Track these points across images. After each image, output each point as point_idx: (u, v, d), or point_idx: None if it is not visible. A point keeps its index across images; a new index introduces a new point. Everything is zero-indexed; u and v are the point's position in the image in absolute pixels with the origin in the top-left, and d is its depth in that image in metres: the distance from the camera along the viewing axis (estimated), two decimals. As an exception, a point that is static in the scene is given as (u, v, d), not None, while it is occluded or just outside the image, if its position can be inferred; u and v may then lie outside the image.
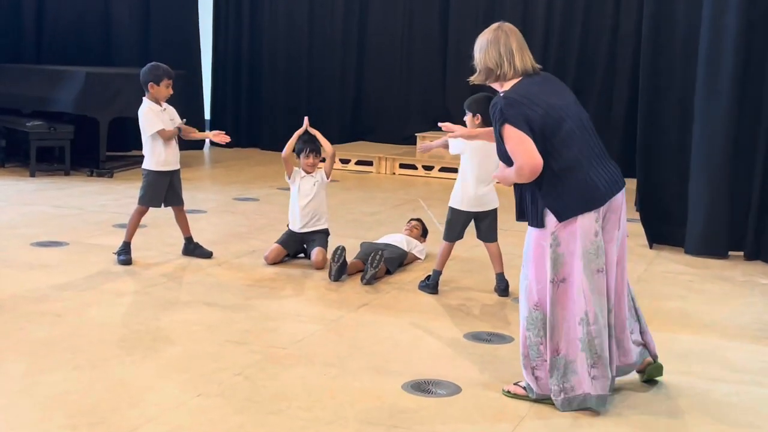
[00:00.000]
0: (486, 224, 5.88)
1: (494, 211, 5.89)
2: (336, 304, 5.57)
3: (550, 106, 3.99)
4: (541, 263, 4.04)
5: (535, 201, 4.04)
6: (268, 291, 5.84)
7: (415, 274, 6.36)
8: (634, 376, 4.41)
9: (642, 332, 4.39)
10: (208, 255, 6.57)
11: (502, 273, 5.90)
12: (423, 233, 7.00)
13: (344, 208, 8.63)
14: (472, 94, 12.13)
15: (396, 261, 6.42)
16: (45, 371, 4.30)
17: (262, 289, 5.88)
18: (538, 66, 4.19)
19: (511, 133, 3.94)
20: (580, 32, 11.66)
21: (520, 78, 4.09)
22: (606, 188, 3.99)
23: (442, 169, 10.99)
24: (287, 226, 6.65)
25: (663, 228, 7.48)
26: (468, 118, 5.79)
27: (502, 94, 4.03)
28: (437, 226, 7.59)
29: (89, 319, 5.13)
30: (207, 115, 13.25)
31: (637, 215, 8.59)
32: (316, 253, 6.41)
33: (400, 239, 6.70)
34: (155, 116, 6.32)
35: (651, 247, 7.41)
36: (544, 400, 4.10)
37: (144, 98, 6.38)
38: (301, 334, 4.95)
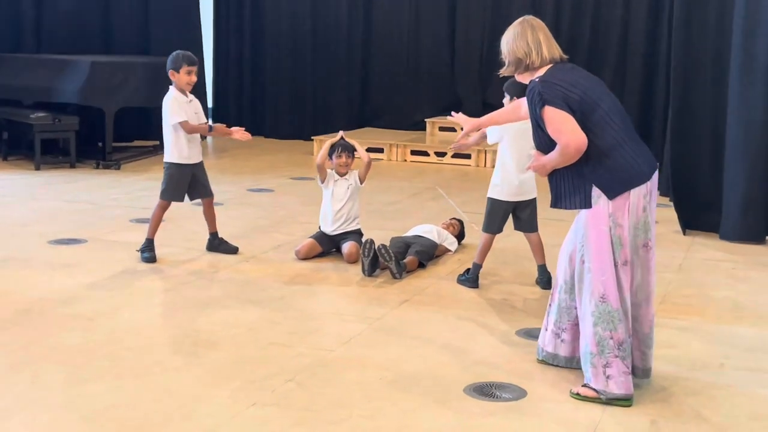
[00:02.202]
0: (527, 214, 5.68)
1: (534, 201, 5.68)
2: (376, 301, 5.36)
3: (587, 87, 4.01)
4: (603, 250, 3.92)
5: (580, 183, 3.97)
6: (303, 288, 5.63)
7: (451, 266, 6.16)
8: (719, 378, 4.24)
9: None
10: (233, 251, 6.35)
11: (544, 265, 5.70)
12: (460, 235, 6.75)
13: (362, 198, 8.33)
14: (482, 79, 12.12)
15: (428, 253, 6.21)
16: (86, 382, 4.08)
17: (296, 286, 5.66)
18: (565, 56, 4.18)
19: (552, 114, 3.93)
20: (590, 19, 11.44)
21: (549, 65, 4.08)
22: (647, 167, 3.99)
23: (455, 156, 10.76)
24: (319, 227, 6.42)
25: (696, 214, 7.29)
26: (506, 101, 5.55)
27: (537, 79, 4.02)
28: (461, 214, 7.39)
29: (123, 323, 4.90)
30: (210, 103, 12.96)
31: (665, 201, 8.48)
32: (348, 246, 6.19)
33: (430, 229, 6.49)
34: (179, 106, 6.08)
35: (684, 234, 7.23)
36: (616, 400, 3.91)
37: (171, 86, 6.15)
38: (347, 335, 4.74)
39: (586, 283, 3.99)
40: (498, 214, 5.67)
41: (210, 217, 6.39)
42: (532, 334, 4.79)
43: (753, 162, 6.81)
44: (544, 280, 5.67)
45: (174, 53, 6.16)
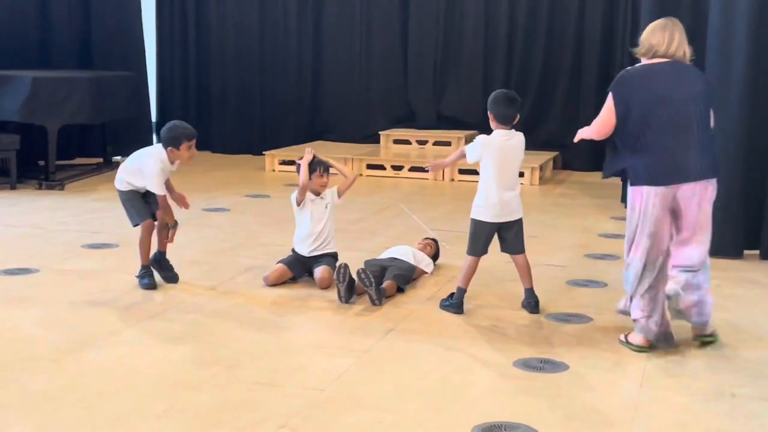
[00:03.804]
0: (512, 235, 5.42)
1: (519, 221, 5.43)
2: (359, 331, 5.05)
3: (653, 89, 4.68)
4: (632, 223, 4.73)
5: (618, 161, 4.80)
6: (280, 319, 5.29)
7: (430, 289, 5.88)
8: (735, 410, 4.02)
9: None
10: (174, 279, 5.96)
11: (532, 288, 5.45)
12: (435, 256, 6.48)
13: (325, 217, 8.08)
14: (435, 90, 11.91)
15: (406, 277, 5.93)
16: (59, 435, 3.70)
17: (272, 316, 5.33)
18: (690, 56, 4.82)
19: (607, 100, 4.77)
20: (546, 29, 11.31)
21: (659, 60, 4.76)
22: (682, 174, 4.61)
23: (412, 169, 10.52)
24: (292, 250, 6.09)
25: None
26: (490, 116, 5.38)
27: (625, 69, 4.88)
28: (429, 233, 7.12)
29: (90, 365, 4.51)
30: (154, 117, 12.51)
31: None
32: (321, 271, 5.88)
33: (406, 251, 6.21)
34: (164, 176, 5.71)
35: (660, 249, 7.05)
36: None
37: (157, 151, 5.72)
38: (335, 371, 4.42)
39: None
40: (481, 236, 5.41)
41: (162, 234, 5.96)
42: (530, 365, 4.54)
43: (729, 174, 6.65)
44: (532, 304, 5.42)
45: (170, 126, 5.74)
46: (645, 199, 4.64)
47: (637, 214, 4.68)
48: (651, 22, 7.21)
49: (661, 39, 4.76)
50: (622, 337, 4.90)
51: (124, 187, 5.81)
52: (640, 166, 4.64)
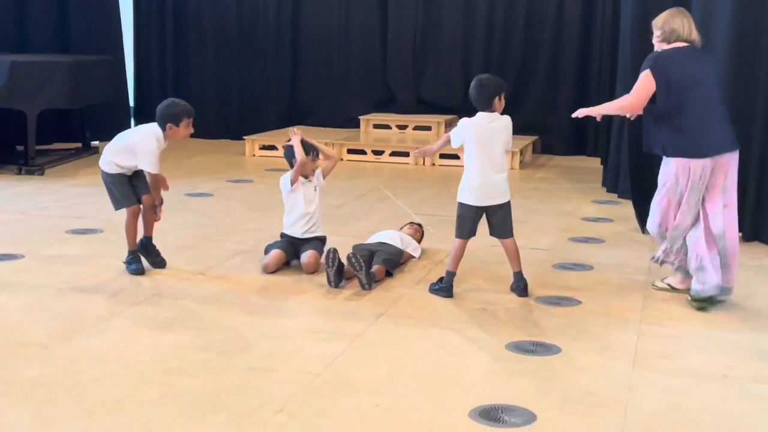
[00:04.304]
0: (499, 219, 5.44)
1: (507, 204, 5.44)
2: (350, 315, 5.06)
3: (688, 70, 5.13)
4: (663, 192, 5.27)
5: (657, 136, 5.24)
6: (269, 304, 5.28)
7: (418, 274, 5.89)
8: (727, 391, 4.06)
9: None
10: (162, 265, 5.94)
11: (521, 272, 5.48)
12: (421, 240, 6.50)
13: (308, 201, 8.06)
14: (415, 74, 11.88)
15: (394, 261, 5.94)
16: (55, 421, 3.69)
17: (262, 301, 5.32)
18: (700, 40, 5.28)
19: (645, 77, 5.13)
20: (525, 14, 11.32)
21: (681, 44, 5.20)
22: (717, 146, 5.13)
23: (393, 153, 10.52)
24: (281, 235, 6.07)
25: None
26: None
27: (659, 51, 5.24)
28: (413, 217, 7.14)
29: (81, 350, 4.49)
30: (131, 102, 12.40)
31: (614, 197, 8.39)
32: (308, 255, 5.86)
33: (394, 236, 6.22)
34: (158, 155, 5.68)
35: (644, 232, 7.08)
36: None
37: (153, 129, 5.69)
38: (329, 355, 4.43)
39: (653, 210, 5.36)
40: (467, 219, 5.42)
41: (149, 219, 5.92)
42: (522, 348, 4.57)
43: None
44: (521, 287, 5.45)
45: (170, 104, 5.70)
46: (692, 170, 5.12)
47: (685, 183, 5.15)
48: (632, 6, 7.32)
49: (680, 24, 5.21)
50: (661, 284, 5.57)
51: (112, 170, 5.75)
52: (686, 139, 5.11)
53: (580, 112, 5.44)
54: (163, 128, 5.66)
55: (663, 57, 5.19)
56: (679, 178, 5.18)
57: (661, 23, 5.27)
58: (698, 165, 5.12)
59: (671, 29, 5.22)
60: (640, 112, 5.33)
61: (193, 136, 12.26)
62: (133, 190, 5.81)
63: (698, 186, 5.17)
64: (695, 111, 5.11)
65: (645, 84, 5.15)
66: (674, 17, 5.25)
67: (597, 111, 5.45)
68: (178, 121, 5.65)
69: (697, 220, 5.26)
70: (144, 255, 5.91)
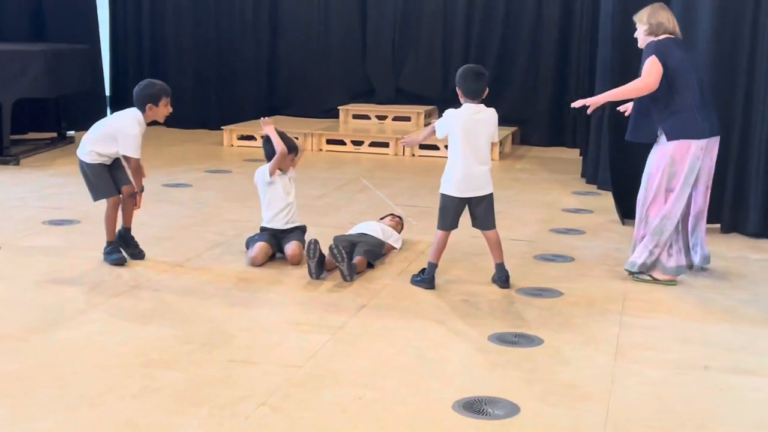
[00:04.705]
0: (481, 210, 5.43)
1: (490, 196, 5.43)
2: (332, 307, 5.03)
3: (684, 58, 5.40)
4: (655, 179, 5.47)
5: (649, 123, 5.47)
6: (251, 295, 5.25)
7: (399, 265, 5.87)
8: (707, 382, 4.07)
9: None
10: (141, 256, 5.89)
11: (503, 263, 5.47)
12: (401, 230, 6.50)
13: (288, 192, 8.02)
14: (395, 64, 11.84)
15: (375, 253, 5.92)
16: (35, 416, 3.64)
17: (242, 293, 5.28)
18: (680, 34, 5.54)
19: (652, 61, 5.33)
20: (505, 3, 11.29)
21: (668, 35, 5.45)
22: (709, 129, 5.42)
23: (372, 144, 10.48)
24: (261, 228, 6.03)
25: (634, 202, 7.16)
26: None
27: (656, 39, 5.42)
28: (394, 208, 7.12)
29: (61, 343, 4.44)
30: (107, 91, 12.29)
31: (593, 189, 8.40)
32: (292, 246, 5.83)
33: (375, 227, 6.20)
34: (140, 139, 5.64)
35: (623, 223, 7.11)
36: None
37: (133, 113, 5.65)
38: (311, 348, 4.40)
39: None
40: (450, 210, 5.41)
41: (128, 209, 5.86)
42: (505, 340, 4.56)
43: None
44: (502, 279, 5.44)
45: (146, 83, 5.71)
46: (692, 152, 5.38)
47: (683, 165, 5.39)
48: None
49: (666, 18, 5.46)
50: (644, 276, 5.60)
51: (93, 159, 5.69)
52: (687, 122, 5.36)
53: (579, 103, 5.62)
54: (143, 109, 5.63)
55: (662, 44, 5.38)
56: (676, 160, 5.39)
57: (646, 17, 5.48)
58: (697, 146, 5.38)
59: (658, 22, 5.44)
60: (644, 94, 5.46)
61: (170, 125, 12.29)
62: (113, 180, 5.76)
63: (695, 167, 5.40)
64: (692, 96, 5.36)
65: (655, 67, 5.32)
66: (658, 11, 5.48)
67: (603, 99, 5.59)
68: (157, 100, 5.63)
69: (687, 207, 5.54)
70: (123, 246, 5.85)
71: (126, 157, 5.67)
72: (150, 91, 5.65)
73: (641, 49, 5.59)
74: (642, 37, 5.52)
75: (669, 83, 5.36)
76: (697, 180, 5.50)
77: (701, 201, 5.63)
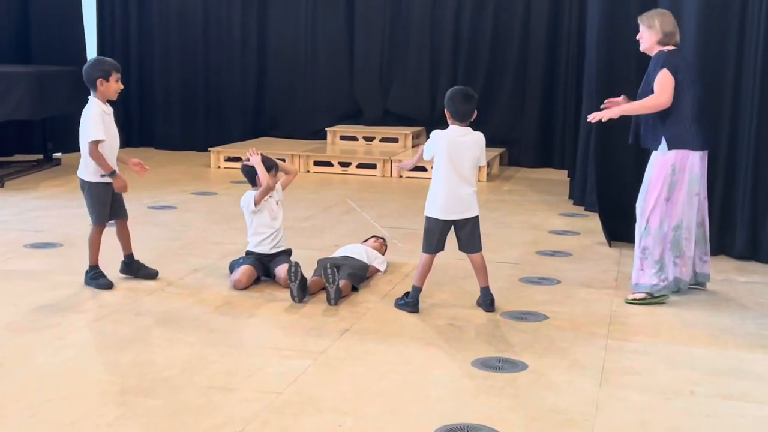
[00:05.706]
0: (466, 233, 5.37)
1: (475, 219, 5.37)
2: (314, 331, 4.97)
3: (686, 70, 5.50)
4: (657, 188, 5.51)
5: (655, 132, 5.52)
6: (232, 319, 5.18)
7: (383, 288, 5.82)
8: (694, 408, 4.01)
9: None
10: (154, 275, 5.87)
11: (488, 287, 5.41)
12: (384, 252, 6.44)
13: (274, 214, 7.96)
14: (382, 86, 11.82)
15: (359, 276, 5.86)
16: (7, 444, 3.57)
17: (224, 317, 5.21)
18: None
19: (665, 75, 5.42)
20: (491, 25, 11.30)
21: (672, 47, 5.52)
22: (703, 141, 5.53)
23: (360, 166, 10.44)
24: (246, 253, 5.96)
25: (621, 225, 7.13)
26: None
27: (666, 50, 5.49)
28: (379, 230, 7.07)
29: (38, 369, 4.36)
30: (95, 114, 12.20)
31: (581, 210, 8.36)
32: (283, 270, 5.71)
33: (360, 250, 6.14)
34: (102, 121, 5.56)
35: (610, 245, 7.06)
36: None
37: (90, 97, 5.62)
38: (291, 373, 4.33)
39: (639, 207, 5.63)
40: (434, 233, 5.35)
41: (125, 238, 5.86)
42: (488, 365, 4.50)
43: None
44: (487, 302, 5.39)
45: (95, 60, 5.72)
46: (692, 160, 5.48)
47: (683, 174, 5.48)
48: (599, 15, 7.27)
49: (674, 28, 5.54)
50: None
51: (98, 179, 5.64)
52: (689, 132, 5.45)
53: (596, 117, 5.66)
54: (95, 87, 5.59)
55: (671, 55, 5.47)
56: (677, 169, 5.46)
57: (659, 25, 5.51)
58: (696, 157, 5.49)
59: (671, 32, 5.52)
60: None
61: (158, 147, 12.20)
62: (110, 207, 5.72)
63: (697, 177, 5.50)
64: (693, 108, 5.46)
65: (668, 80, 5.41)
66: (669, 20, 5.53)
67: (619, 112, 5.60)
68: (108, 75, 5.59)
69: (700, 214, 5.66)
70: (130, 274, 5.86)
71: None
72: (100, 66, 5.62)
73: (638, 57, 5.81)
74: (650, 43, 5.55)
75: (678, 93, 5.44)
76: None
77: (699, 211, 5.69)
